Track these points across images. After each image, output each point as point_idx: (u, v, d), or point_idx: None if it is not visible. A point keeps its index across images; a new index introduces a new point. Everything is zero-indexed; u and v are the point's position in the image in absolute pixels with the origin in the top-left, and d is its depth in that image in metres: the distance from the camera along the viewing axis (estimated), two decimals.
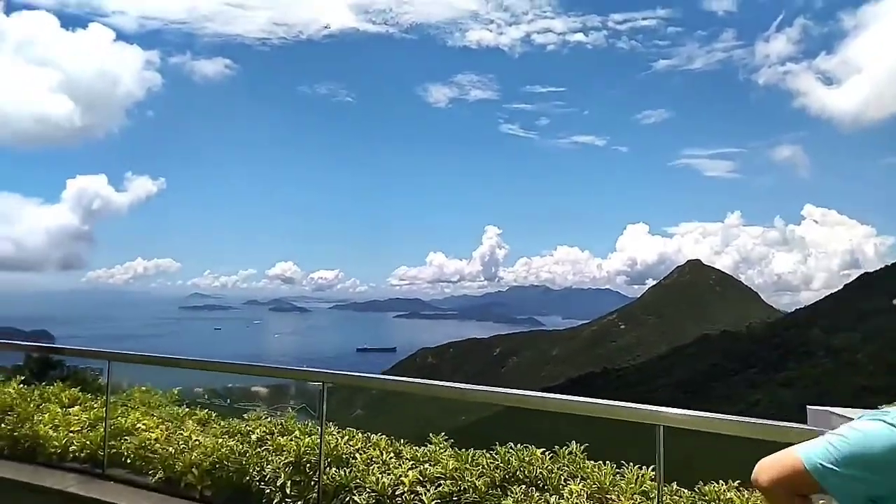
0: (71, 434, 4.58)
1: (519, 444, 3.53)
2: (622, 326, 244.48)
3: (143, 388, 5.30)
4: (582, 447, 3.44)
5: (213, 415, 4.70)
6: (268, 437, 4.05)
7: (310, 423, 4.25)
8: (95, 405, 5.03)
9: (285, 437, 3.97)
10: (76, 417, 4.79)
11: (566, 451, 3.41)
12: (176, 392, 5.24)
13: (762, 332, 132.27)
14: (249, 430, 4.17)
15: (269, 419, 4.39)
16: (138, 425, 4.45)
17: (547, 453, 3.44)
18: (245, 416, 4.50)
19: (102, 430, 4.46)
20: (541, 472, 3.24)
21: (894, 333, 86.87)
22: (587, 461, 3.33)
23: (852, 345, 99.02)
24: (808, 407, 8.36)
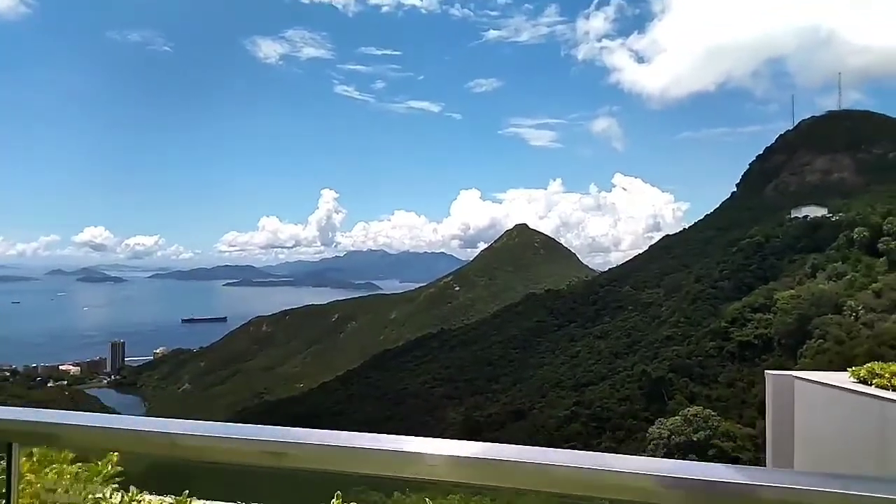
0: None
1: None
2: (457, 288, 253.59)
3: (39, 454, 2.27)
4: None
5: None
6: None
7: None
8: None
9: None
10: None
11: None
12: (114, 460, 2.23)
13: (581, 291, 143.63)
14: None
15: None
16: None
17: None
18: None
19: None
20: None
21: (689, 288, 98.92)
22: None
23: (656, 300, 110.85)
24: (766, 372, 7.07)
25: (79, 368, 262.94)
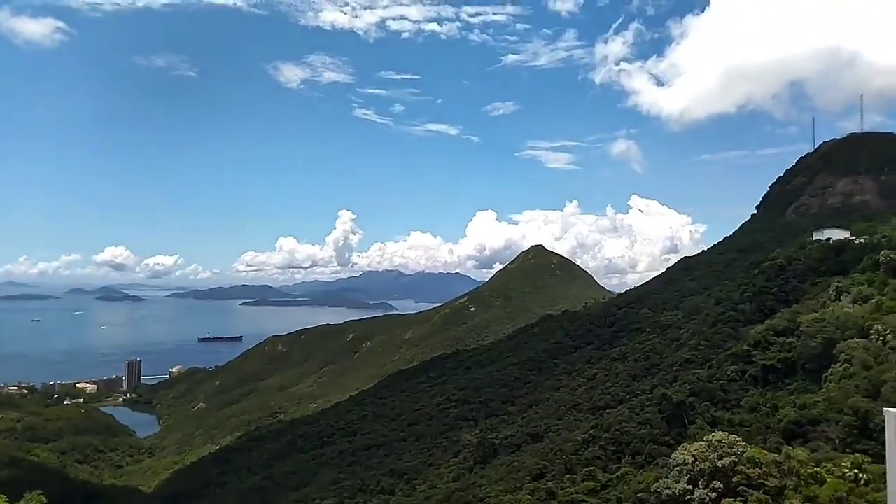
0: None
1: None
2: (472, 309, 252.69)
3: None
4: None
5: None
6: None
7: None
8: None
9: None
10: None
11: None
12: None
13: (598, 312, 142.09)
14: None
15: None
16: None
17: None
18: None
19: None
20: None
21: (709, 311, 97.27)
22: None
23: (675, 322, 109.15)
24: (886, 410, 6.65)
25: (95, 386, 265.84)
